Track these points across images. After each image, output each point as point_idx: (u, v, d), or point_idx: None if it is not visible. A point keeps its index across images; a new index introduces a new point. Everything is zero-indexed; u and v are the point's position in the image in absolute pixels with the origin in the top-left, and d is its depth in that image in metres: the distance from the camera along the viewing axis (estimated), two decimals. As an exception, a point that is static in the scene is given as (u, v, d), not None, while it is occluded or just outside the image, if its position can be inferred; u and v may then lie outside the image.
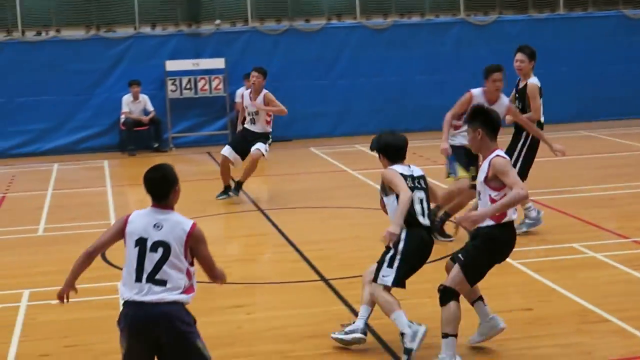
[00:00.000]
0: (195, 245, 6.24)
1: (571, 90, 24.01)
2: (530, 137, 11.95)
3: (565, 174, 16.74)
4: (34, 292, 10.24)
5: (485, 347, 8.01)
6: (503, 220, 7.43)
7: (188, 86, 22.65)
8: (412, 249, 7.87)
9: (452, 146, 11.68)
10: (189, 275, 6.20)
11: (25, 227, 13.99)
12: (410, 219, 7.86)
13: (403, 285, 7.98)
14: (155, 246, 6.14)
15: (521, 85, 12.16)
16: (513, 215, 7.49)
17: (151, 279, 6.09)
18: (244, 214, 14.49)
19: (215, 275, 6.47)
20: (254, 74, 15.36)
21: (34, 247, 12.73)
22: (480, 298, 7.97)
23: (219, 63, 22.75)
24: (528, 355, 7.83)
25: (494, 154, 7.46)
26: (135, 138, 22.04)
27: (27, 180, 19.07)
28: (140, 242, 6.17)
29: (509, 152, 11.93)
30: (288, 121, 23.28)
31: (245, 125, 15.30)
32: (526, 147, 11.98)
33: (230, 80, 22.69)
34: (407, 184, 7.89)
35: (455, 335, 7.44)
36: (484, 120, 7.51)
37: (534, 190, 14.87)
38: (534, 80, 12.02)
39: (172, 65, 22.58)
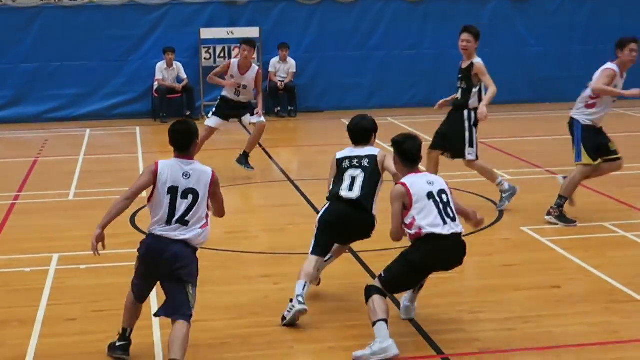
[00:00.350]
0: (214, 188, 7.19)
1: (608, 68, 23.76)
2: (473, 113, 11.94)
3: (599, 152, 16.56)
4: (63, 256, 10.30)
5: (511, 324, 7.98)
6: (421, 235, 7.38)
7: (222, 54, 22.61)
8: (325, 220, 8.35)
9: (584, 126, 11.41)
10: (207, 215, 7.15)
11: (56, 191, 14.07)
12: (332, 194, 8.38)
13: (320, 254, 8.39)
14: (185, 193, 7.02)
15: (465, 65, 12.13)
16: (432, 229, 7.34)
17: (179, 221, 7.00)
18: (273, 184, 14.50)
19: (222, 212, 7.47)
20: (246, 47, 14.61)
21: (64, 212, 12.80)
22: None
23: (253, 32, 22.67)
24: (554, 332, 7.79)
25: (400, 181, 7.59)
26: (168, 105, 22.04)
27: (59, 144, 19.16)
28: (172, 190, 7.01)
29: (459, 134, 11.90)
30: (321, 92, 23.31)
31: (227, 95, 14.79)
32: (472, 123, 12.01)
33: (264, 49, 22.63)
34: (344, 165, 8.41)
35: (384, 320, 7.28)
36: (397, 150, 7.68)
37: (567, 167, 14.77)
38: (479, 60, 12.05)
39: (206, 33, 22.55)
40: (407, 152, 7.61)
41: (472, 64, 12.02)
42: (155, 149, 18.56)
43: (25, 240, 11.20)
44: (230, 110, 14.83)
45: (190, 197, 7.01)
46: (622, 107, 22.24)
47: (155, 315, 7.32)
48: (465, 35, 12.15)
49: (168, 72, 22.08)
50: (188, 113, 21.93)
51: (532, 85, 23.69)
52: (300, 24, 23.12)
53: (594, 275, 9.31)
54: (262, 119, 14.70)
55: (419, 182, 7.49)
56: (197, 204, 7.02)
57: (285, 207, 12.91)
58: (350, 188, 8.28)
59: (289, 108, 22.52)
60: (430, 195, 7.42)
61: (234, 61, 14.79)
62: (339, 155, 8.57)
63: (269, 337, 7.81)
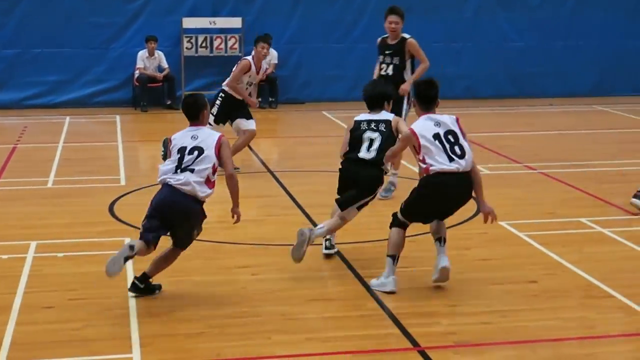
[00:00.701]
0: (223, 147, 8.31)
1: (589, 64, 23.87)
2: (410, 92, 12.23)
3: (578, 148, 16.67)
4: (40, 244, 10.25)
5: (487, 318, 8.01)
6: (430, 172, 8.34)
7: (204, 44, 22.57)
8: (340, 176, 9.31)
9: None
10: (214, 169, 8.31)
11: (35, 178, 14.00)
12: (348, 153, 9.26)
13: (339, 204, 9.26)
14: (192, 150, 8.22)
15: (393, 42, 12.57)
16: (439, 166, 8.28)
17: (185, 169, 8.17)
18: (253, 175, 14.47)
19: (231, 172, 8.51)
20: (265, 45, 14.44)
21: (42, 199, 12.74)
22: (439, 239, 8.66)
23: (236, 22, 22.65)
24: (530, 327, 7.82)
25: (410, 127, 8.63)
26: (149, 94, 21.96)
27: (38, 132, 19.08)
28: (181, 150, 8.24)
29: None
30: (303, 83, 23.29)
31: (233, 93, 14.27)
32: (407, 103, 12.48)
33: (246, 40, 22.57)
34: (362, 127, 9.25)
35: (392, 256, 8.46)
36: (416, 93, 8.73)
37: (546, 162, 14.84)
38: (408, 35, 12.60)
39: (188, 22, 22.49)
40: (422, 94, 8.62)
41: (403, 40, 12.53)
42: (135, 138, 18.53)
43: (3, 227, 11.14)
44: (233, 110, 14.26)
45: (196, 152, 8.19)
46: (604, 104, 22.40)
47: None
48: (393, 17, 12.60)
49: (149, 61, 22.02)
50: (169, 102, 21.89)
51: (513, 80, 23.69)
52: (283, 15, 23.06)
53: (571, 271, 9.34)
54: (254, 127, 14.47)
55: (426, 126, 8.45)
56: (201, 156, 8.18)
57: (264, 198, 12.90)
58: (368, 149, 9.14)
59: (270, 99, 22.49)
60: (436, 137, 8.38)
61: (250, 59, 14.38)
62: (357, 117, 9.40)
63: (246, 328, 7.80)
